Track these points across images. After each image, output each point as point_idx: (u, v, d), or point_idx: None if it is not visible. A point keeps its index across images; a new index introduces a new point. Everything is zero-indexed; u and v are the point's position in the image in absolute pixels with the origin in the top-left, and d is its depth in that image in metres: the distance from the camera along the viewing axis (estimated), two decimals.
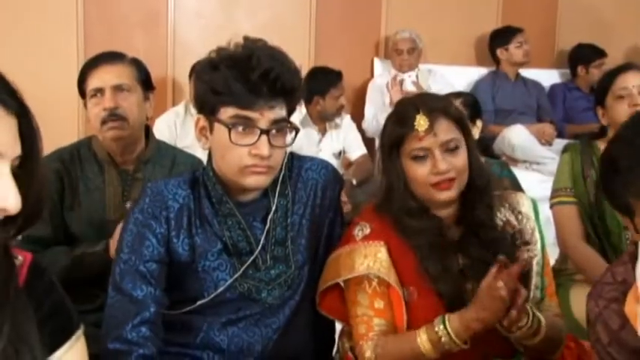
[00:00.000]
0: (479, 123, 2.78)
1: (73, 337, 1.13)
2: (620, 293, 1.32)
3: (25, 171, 0.99)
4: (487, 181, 1.63)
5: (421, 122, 1.54)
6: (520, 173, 3.30)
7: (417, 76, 4.35)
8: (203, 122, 1.54)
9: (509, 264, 1.45)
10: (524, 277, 1.57)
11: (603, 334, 1.32)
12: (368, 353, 1.55)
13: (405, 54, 4.60)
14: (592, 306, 1.36)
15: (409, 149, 1.57)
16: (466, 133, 1.61)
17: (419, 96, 1.80)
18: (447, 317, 1.48)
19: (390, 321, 1.57)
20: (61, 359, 1.11)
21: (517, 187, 2.68)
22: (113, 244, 1.88)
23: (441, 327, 1.48)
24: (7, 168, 0.93)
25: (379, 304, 1.58)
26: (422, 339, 1.49)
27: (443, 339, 1.47)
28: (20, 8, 4.11)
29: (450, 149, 1.56)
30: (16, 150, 0.95)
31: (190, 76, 3.73)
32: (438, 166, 1.54)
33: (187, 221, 1.57)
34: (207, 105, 1.51)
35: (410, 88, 4.27)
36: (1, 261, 1.00)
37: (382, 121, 1.70)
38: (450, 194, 1.56)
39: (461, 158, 1.57)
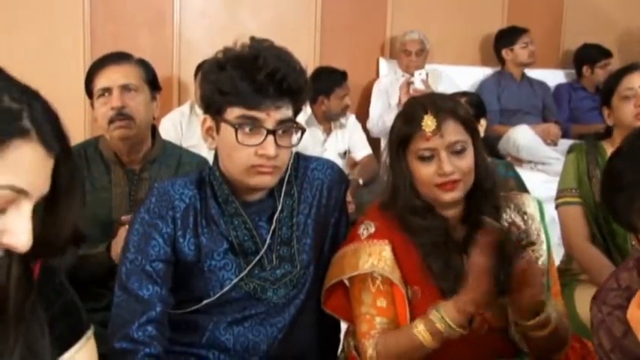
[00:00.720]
0: (483, 122, 2.77)
1: (84, 338, 1.13)
2: (624, 300, 1.30)
3: (50, 210, 0.98)
4: (493, 183, 1.63)
5: (428, 123, 1.54)
6: (525, 173, 3.29)
7: (426, 74, 4.31)
8: (209, 122, 1.54)
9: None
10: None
11: (606, 340, 1.31)
12: (369, 351, 1.55)
13: (413, 55, 4.57)
14: (595, 312, 1.35)
15: (415, 149, 1.57)
16: (474, 134, 1.61)
17: (428, 96, 1.79)
18: (441, 304, 1.48)
19: (392, 319, 1.57)
20: None
21: (522, 188, 2.68)
22: (115, 245, 1.88)
23: (436, 313, 1.47)
24: (29, 208, 0.93)
25: (382, 302, 1.58)
26: (419, 329, 1.49)
27: (438, 325, 1.46)
28: (26, 8, 4.12)
29: (456, 151, 1.56)
30: (43, 190, 0.94)
31: (196, 75, 3.74)
32: (442, 168, 1.54)
33: (193, 221, 1.58)
34: (213, 105, 1.51)
35: (419, 86, 4.24)
36: (20, 279, 1.00)
37: (387, 122, 1.70)
38: (453, 195, 1.56)
39: (466, 160, 1.57)
